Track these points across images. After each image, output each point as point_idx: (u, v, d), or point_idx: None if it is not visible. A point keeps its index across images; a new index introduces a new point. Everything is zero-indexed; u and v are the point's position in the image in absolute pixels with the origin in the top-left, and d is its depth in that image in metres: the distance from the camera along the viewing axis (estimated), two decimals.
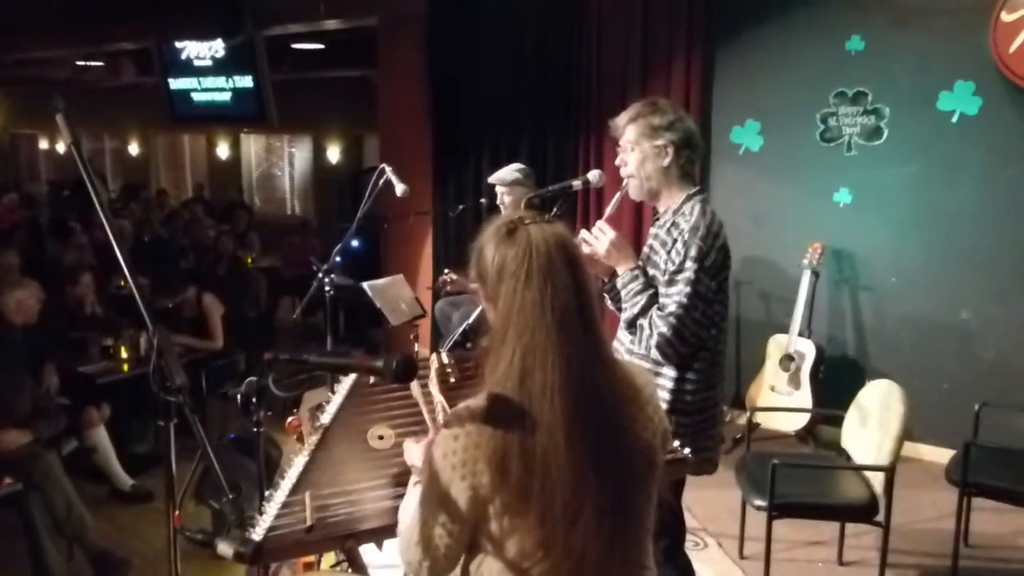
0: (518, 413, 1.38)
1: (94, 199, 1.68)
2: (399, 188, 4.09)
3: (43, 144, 18.15)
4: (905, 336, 5.02)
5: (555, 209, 2.83)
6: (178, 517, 1.64)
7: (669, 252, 2.47)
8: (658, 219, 2.63)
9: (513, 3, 6.06)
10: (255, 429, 1.90)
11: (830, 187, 5.14)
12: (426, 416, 2.02)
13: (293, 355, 1.72)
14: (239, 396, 1.83)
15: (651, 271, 2.55)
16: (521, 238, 1.44)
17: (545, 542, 1.39)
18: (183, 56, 8.86)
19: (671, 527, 2.66)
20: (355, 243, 5.28)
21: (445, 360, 2.14)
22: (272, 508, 1.75)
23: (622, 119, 2.56)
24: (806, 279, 4.98)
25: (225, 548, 1.46)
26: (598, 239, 2.54)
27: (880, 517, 3.24)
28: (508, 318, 1.43)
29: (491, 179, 4.55)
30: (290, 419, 2.08)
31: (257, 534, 1.67)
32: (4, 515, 3.64)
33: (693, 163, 2.56)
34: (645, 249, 2.65)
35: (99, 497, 4.44)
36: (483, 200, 5.57)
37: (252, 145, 14.52)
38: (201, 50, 8.66)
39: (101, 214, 1.70)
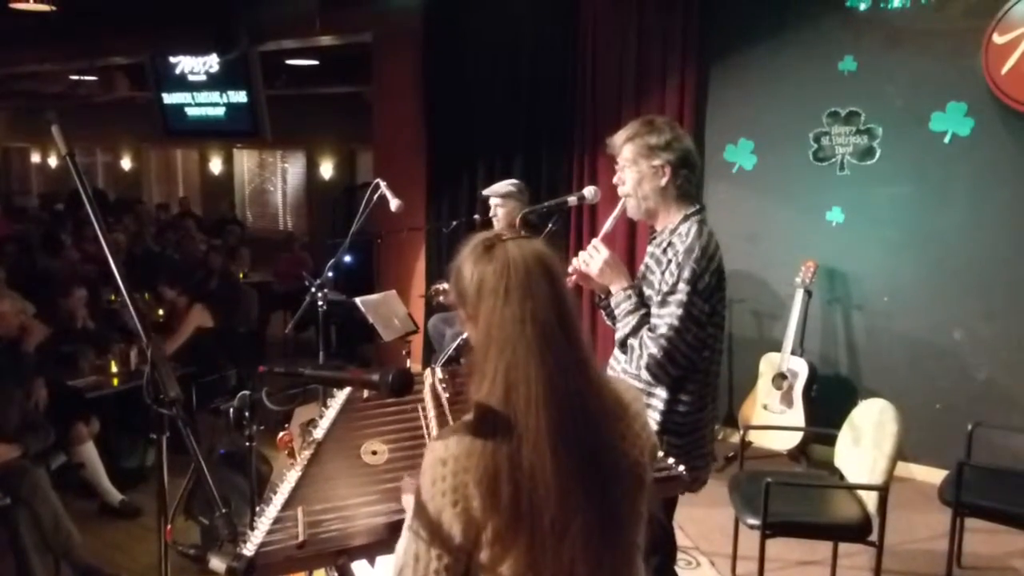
0: (505, 432, 1.36)
1: (89, 211, 1.67)
2: (393, 203, 4.09)
3: (35, 158, 18.13)
4: (898, 355, 5.03)
5: (550, 225, 2.83)
6: (170, 531, 1.62)
7: (663, 272, 2.45)
8: (654, 238, 2.61)
9: (508, 19, 6.09)
10: (248, 443, 1.89)
11: (823, 206, 5.16)
12: (427, 431, 2.01)
13: (288, 368, 1.71)
14: (232, 410, 1.82)
15: (646, 290, 2.53)
16: (499, 255, 1.42)
17: (535, 564, 1.36)
18: (177, 71, 8.88)
19: (662, 545, 2.65)
20: (348, 258, 5.26)
21: (439, 375, 2.13)
22: (264, 523, 1.73)
23: (619, 138, 2.55)
24: (799, 297, 4.99)
25: (218, 563, 1.44)
26: (592, 257, 2.52)
27: (874, 537, 3.23)
28: (489, 335, 1.41)
29: (485, 192, 4.52)
30: (281, 434, 2.06)
31: (249, 549, 1.65)
32: None
33: (691, 182, 2.54)
34: (641, 268, 2.64)
35: (88, 513, 4.40)
36: (477, 216, 5.57)
37: (245, 160, 14.51)
38: (195, 65, 8.68)
39: (97, 226, 1.68)
